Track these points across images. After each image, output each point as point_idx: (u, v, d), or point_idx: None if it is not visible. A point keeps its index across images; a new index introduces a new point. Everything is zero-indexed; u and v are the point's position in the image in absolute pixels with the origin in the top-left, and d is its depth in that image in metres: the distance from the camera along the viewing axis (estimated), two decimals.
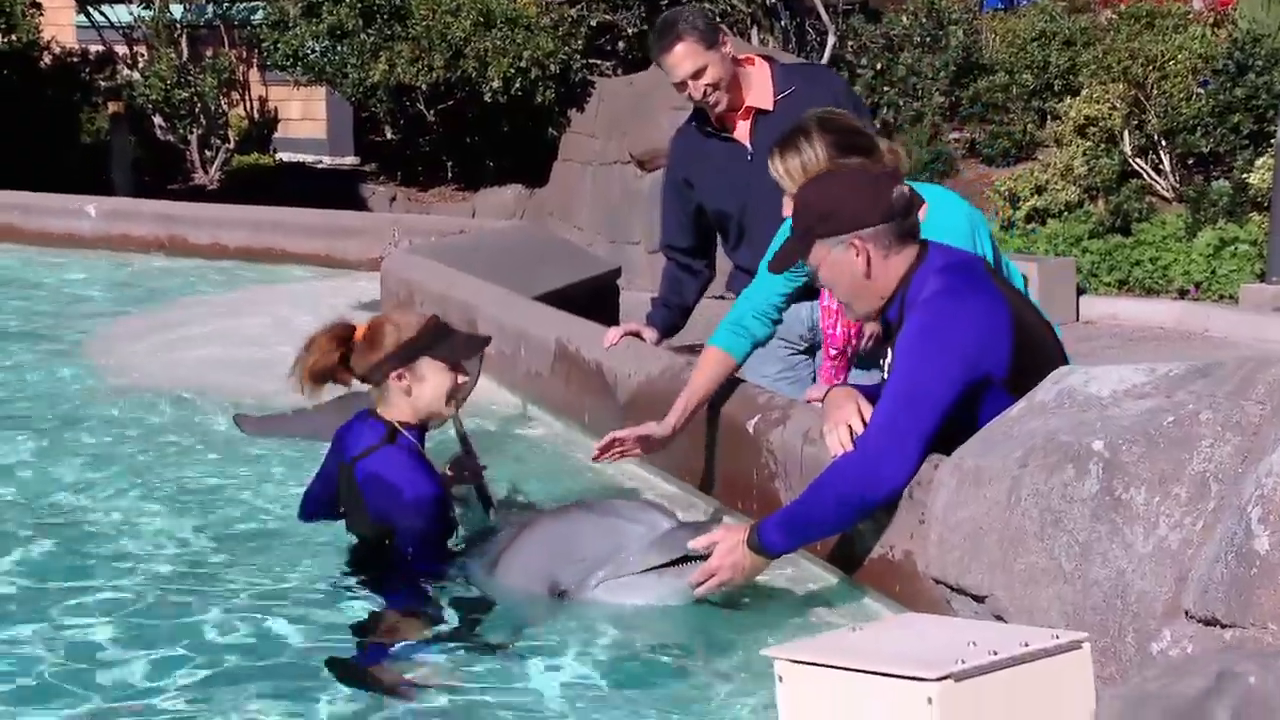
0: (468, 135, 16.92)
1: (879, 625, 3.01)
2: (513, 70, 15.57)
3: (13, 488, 4.98)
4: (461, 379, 4.18)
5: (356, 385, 4.31)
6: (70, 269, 10.16)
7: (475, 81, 15.72)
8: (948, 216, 4.13)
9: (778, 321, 4.52)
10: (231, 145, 17.83)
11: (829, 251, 3.74)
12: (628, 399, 5.20)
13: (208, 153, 17.75)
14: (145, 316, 8.43)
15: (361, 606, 3.95)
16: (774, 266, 3.97)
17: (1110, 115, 13.68)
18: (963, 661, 2.51)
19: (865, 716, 2.54)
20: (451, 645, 3.67)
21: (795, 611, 3.82)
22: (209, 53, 17.87)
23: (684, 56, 4.94)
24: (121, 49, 17.95)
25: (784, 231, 4.49)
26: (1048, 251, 12.86)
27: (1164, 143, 13.51)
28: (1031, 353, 3.67)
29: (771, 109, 4.99)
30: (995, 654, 2.54)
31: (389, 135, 18.24)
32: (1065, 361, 3.70)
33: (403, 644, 3.73)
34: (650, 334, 5.21)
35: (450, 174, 17.40)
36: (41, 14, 17.04)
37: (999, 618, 3.15)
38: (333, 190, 16.77)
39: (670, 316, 5.22)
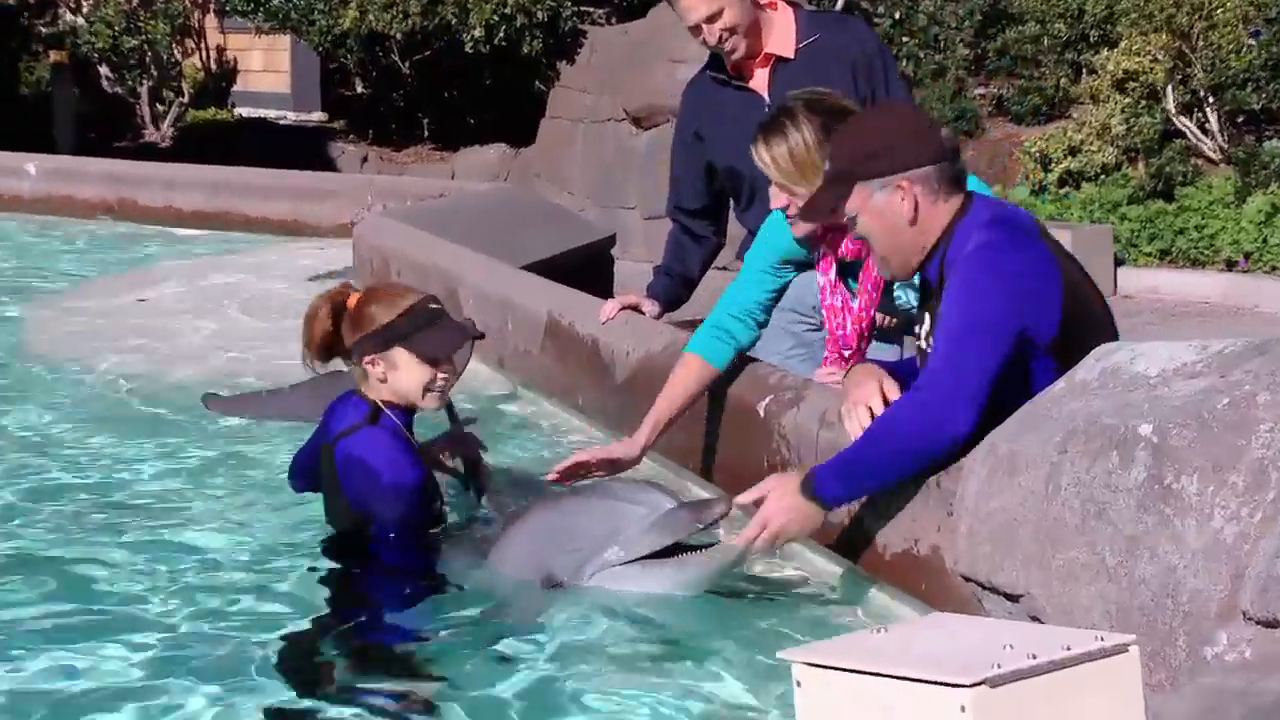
0: (446, 89, 16.92)
1: (905, 626, 3.00)
2: (496, 17, 15.55)
3: None
4: (441, 375, 4.16)
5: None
6: (6, 234, 10.13)
7: (455, 30, 15.70)
8: None
9: (764, 324, 4.51)
10: (186, 99, 17.83)
11: (871, 195, 3.71)
12: (626, 378, 5.20)
13: (159, 107, 17.73)
14: (88, 288, 8.42)
15: (338, 602, 3.96)
16: (804, 215, 3.94)
17: (1151, 69, 13.68)
18: (998, 666, 2.50)
19: None
20: (435, 643, 3.68)
21: (811, 611, 3.82)
22: None
23: None
24: None
25: (770, 224, 4.48)
26: (1082, 218, 12.87)
27: (1211, 99, 13.51)
28: (1082, 324, 3.66)
29: (793, 57, 4.98)
30: (1034, 657, 2.54)
31: (360, 89, 18.23)
32: (1116, 338, 3.69)
33: (383, 642, 3.73)
34: (650, 307, 5.20)
35: (427, 132, 17.40)
36: None
37: (1035, 618, 3.15)
38: (297, 149, 16.76)
39: (673, 287, 5.21)
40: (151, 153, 16.53)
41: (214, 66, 18.43)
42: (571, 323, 5.68)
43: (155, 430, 5.53)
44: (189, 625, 3.74)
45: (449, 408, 4.54)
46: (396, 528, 4.06)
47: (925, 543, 3.65)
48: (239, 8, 16.60)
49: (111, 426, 5.58)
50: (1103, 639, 2.64)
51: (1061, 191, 13.53)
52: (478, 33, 15.54)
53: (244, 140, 17.12)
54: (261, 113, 18.66)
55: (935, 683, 2.49)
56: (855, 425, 3.72)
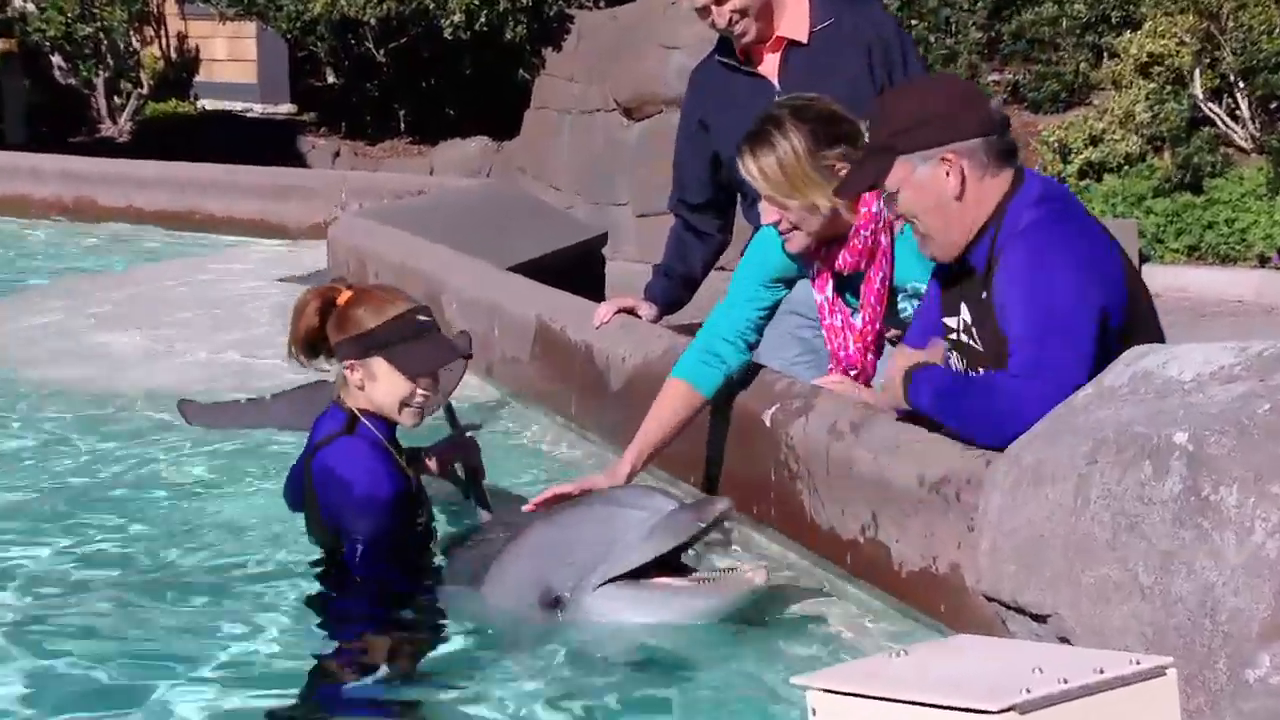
0: (424, 79, 16.92)
1: (925, 649, 3.00)
2: (477, 1, 15.55)
3: None
4: (421, 392, 4.16)
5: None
6: None
7: (433, 15, 15.71)
8: None
9: (755, 345, 4.51)
10: (145, 90, 17.82)
11: (914, 170, 3.70)
12: (622, 387, 5.21)
13: (117, 99, 17.73)
14: (42, 294, 8.41)
15: (313, 631, 3.96)
16: (841, 192, 3.95)
17: (1178, 51, 13.70)
18: (1028, 690, 2.50)
19: None
20: (419, 677, 3.68)
21: (823, 634, 3.83)
22: None
23: None
24: None
25: (760, 240, 4.47)
26: (1105, 212, 12.89)
27: (1241, 84, 13.54)
28: (1135, 315, 3.66)
29: (806, 42, 5.00)
30: (1065, 682, 2.54)
31: (331, 79, 18.24)
32: (1162, 337, 3.70)
33: (358, 681, 3.73)
34: (648, 310, 5.21)
35: (404, 124, 17.40)
36: None
37: (1064, 640, 3.15)
38: (265, 143, 16.77)
39: (673, 288, 5.21)
40: (109, 148, 16.52)
41: (175, 55, 18.44)
42: (563, 328, 5.69)
43: (123, 440, 5.53)
44: (148, 655, 3.74)
45: (451, 412, 4.54)
46: (367, 543, 4.06)
47: (944, 560, 3.66)
48: None
49: (74, 438, 5.59)
50: (1138, 661, 2.65)
51: (1082, 184, 13.55)
52: (457, 18, 15.55)
53: (207, 134, 17.13)
54: (226, 105, 18.67)
55: (961, 709, 2.50)
56: None
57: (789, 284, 4.51)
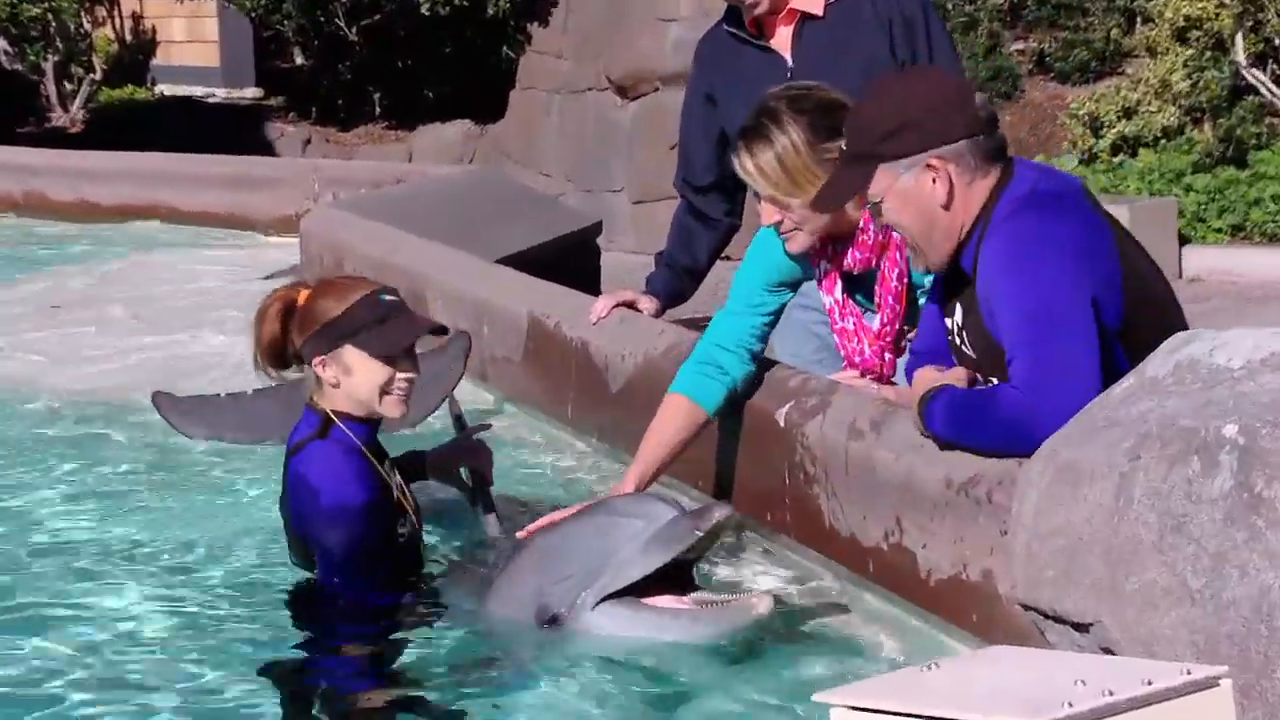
0: (400, 58, 16.93)
1: (958, 662, 3.01)
2: None
3: None
4: (401, 375, 4.16)
5: None
6: None
7: None
8: None
9: (759, 354, 4.51)
10: (98, 75, 17.83)
11: (896, 178, 3.71)
12: (623, 387, 5.22)
13: (68, 85, 17.74)
14: None
15: (290, 652, 3.96)
16: (819, 205, 3.96)
17: (1218, 14, 13.71)
18: (1070, 705, 2.51)
19: None
20: (401, 700, 3.68)
21: (846, 647, 3.84)
22: None
23: None
24: None
25: (761, 242, 4.48)
26: (1141, 190, 12.90)
27: None
28: (1146, 310, 3.67)
29: (821, 15, 5.01)
30: (1111, 694, 2.55)
31: (299, 60, 18.24)
32: (1185, 326, 3.70)
33: (335, 706, 3.73)
34: (649, 304, 5.22)
35: (379, 108, 17.41)
36: None
37: (1108, 650, 3.16)
38: (229, 131, 16.79)
39: (675, 280, 5.21)
40: (61, 138, 16.54)
41: (129, 37, 18.45)
42: (557, 324, 5.70)
43: (84, 447, 5.57)
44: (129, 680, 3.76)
45: (458, 413, 4.54)
46: (336, 556, 4.07)
47: (976, 567, 3.67)
48: None
49: (34, 446, 5.63)
50: (1189, 672, 2.66)
51: (1116, 160, 13.56)
52: None
53: (167, 122, 17.15)
54: (186, 90, 18.68)
55: None
56: None
57: (794, 287, 4.52)
